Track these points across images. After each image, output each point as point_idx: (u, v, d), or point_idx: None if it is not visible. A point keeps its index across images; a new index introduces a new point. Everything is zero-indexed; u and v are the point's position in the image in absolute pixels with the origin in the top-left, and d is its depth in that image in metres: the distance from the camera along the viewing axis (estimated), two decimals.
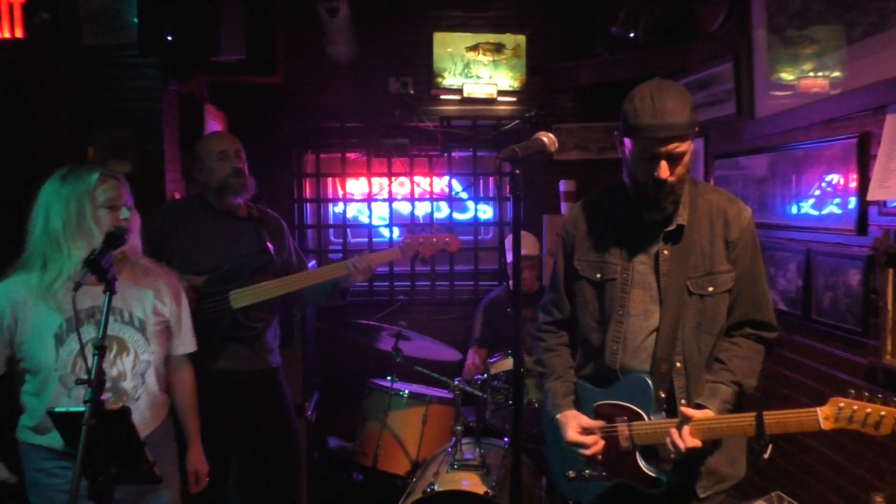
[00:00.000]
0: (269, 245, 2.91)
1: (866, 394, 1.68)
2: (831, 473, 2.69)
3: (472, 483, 2.83)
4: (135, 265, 2.23)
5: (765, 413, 1.76)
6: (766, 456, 1.90)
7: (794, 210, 2.91)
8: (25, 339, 2.06)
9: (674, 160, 1.85)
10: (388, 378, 3.52)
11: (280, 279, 2.82)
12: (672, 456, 1.85)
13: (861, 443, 2.50)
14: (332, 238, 4.97)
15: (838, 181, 2.62)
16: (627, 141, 1.89)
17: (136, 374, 2.15)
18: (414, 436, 3.41)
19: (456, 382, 3.15)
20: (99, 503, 1.72)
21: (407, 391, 3.48)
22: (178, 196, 3.49)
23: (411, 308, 4.72)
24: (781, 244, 2.96)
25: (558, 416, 2.05)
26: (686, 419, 1.82)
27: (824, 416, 1.71)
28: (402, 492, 3.13)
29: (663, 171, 1.84)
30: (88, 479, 1.70)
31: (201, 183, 2.89)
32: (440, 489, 2.79)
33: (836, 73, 2.64)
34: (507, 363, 3.27)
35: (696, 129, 1.88)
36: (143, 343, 2.17)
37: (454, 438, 3.07)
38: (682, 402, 1.90)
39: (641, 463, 1.92)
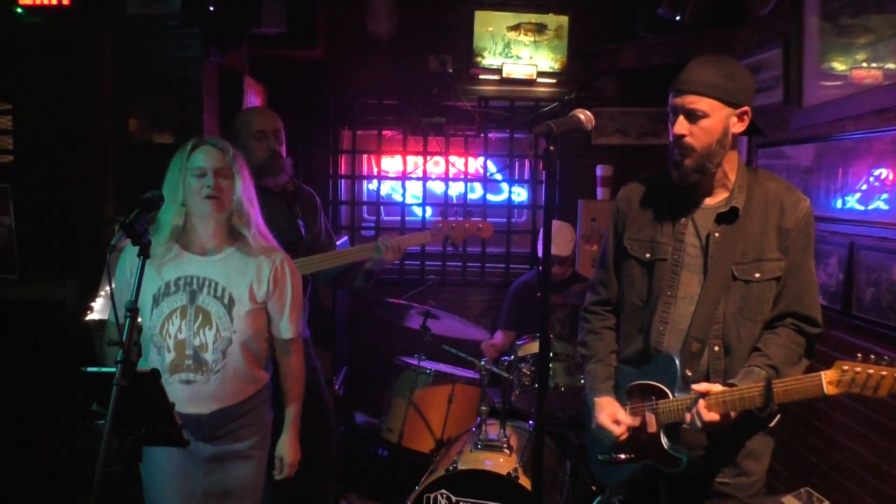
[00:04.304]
0: (300, 222, 2.91)
1: (872, 357, 1.66)
2: (864, 472, 2.63)
3: (495, 463, 2.84)
4: (246, 242, 2.21)
5: (773, 381, 1.76)
6: (771, 425, 1.95)
7: (838, 204, 2.82)
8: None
9: (690, 118, 1.84)
10: (416, 356, 3.53)
11: (309, 258, 2.82)
12: (688, 426, 1.84)
13: None
14: (366, 215, 4.99)
15: (887, 175, 2.54)
16: None
17: (217, 349, 2.14)
18: (439, 414, 3.43)
19: (483, 363, 3.15)
20: (129, 462, 1.76)
21: (433, 370, 3.49)
22: None
23: (441, 288, 4.72)
24: (824, 237, 2.88)
25: (595, 399, 2.04)
26: (700, 395, 1.81)
27: (828, 380, 1.69)
28: (425, 469, 3.15)
29: (678, 125, 1.86)
30: (119, 439, 1.74)
31: None
32: (463, 468, 2.80)
33: (891, 64, 2.55)
34: (535, 346, 3.24)
35: (733, 102, 1.84)
36: (226, 321, 2.15)
37: (479, 419, 3.08)
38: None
39: (664, 440, 1.92)
